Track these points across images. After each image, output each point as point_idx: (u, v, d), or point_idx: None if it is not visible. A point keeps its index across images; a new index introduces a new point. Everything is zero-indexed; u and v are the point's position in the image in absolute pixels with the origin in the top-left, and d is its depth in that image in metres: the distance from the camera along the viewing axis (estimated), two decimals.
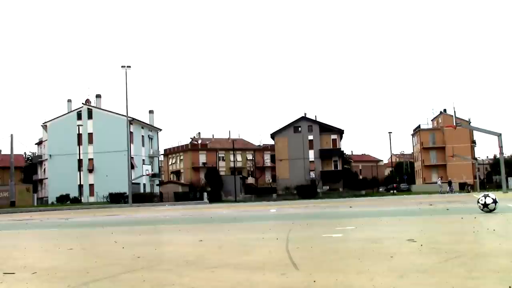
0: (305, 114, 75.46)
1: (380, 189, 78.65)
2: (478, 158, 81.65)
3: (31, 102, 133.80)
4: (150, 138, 69.57)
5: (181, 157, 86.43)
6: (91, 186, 60.60)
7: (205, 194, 53.07)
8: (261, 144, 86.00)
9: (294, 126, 72.25)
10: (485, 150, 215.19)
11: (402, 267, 2.10)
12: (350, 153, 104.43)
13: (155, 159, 70.83)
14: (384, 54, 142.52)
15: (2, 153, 78.64)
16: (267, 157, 78.56)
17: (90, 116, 62.58)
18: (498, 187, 60.78)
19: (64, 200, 52.34)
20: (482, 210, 5.87)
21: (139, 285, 1.96)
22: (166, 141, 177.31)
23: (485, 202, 5.88)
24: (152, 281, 2.02)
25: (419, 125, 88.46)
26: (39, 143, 76.99)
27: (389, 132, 66.49)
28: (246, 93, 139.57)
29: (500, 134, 29.64)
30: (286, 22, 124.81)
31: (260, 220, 6.19)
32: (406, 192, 65.89)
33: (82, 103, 64.89)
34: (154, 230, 5.50)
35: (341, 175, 73.84)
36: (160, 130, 73.40)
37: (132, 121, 56.58)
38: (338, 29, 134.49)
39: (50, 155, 62.39)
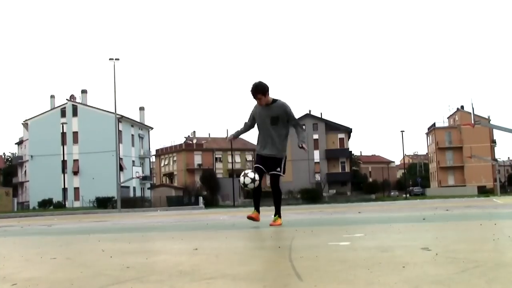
0: (309, 111, 75.71)
1: (392, 193, 78.65)
2: (498, 159, 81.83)
3: (10, 98, 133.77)
4: (141, 138, 69.71)
5: (175, 158, 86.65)
6: (76, 189, 60.82)
7: (201, 199, 53.21)
8: None
9: None
10: (506, 150, 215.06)
11: (415, 278, 2.11)
12: (359, 154, 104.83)
13: (146, 160, 71.09)
14: (395, 47, 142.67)
15: None
16: None
17: (75, 113, 62.83)
18: None
19: (46, 205, 52.46)
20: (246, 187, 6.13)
21: None
22: (158, 140, 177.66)
23: (244, 182, 6.12)
24: None
25: (434, 123, 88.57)
26: (20, 142, 77.15)
27: (402, 131, 66.73)
28: (245, 89, 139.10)
29: None
30: (289, 14, 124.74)
31: (261, 227, 6.20)
32: (420, 196, 66.01)
33: (67, 99, 65.10)
34: (144, 238, 5.51)
35: (349, 178, 74.05)
36: (152, 128, 73.62)
37: (121, 118, 56.74)
38: (345, 21, 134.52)
39: (31, 156, 62.59)
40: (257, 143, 6.53)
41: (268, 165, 6.35)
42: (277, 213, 6.41)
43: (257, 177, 6.13)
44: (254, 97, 6.28)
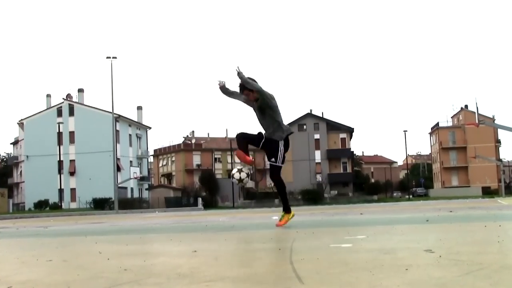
0: (310, 110, 75.80)
1: (394, 194, 78.60)
2: (503, 160, 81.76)
3: (6, 97, 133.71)
4: (139, 137, 69.73)
5: (173, 159, 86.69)
6: (73, 190, 60.85)
7: (200, 200, 53.29)
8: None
9: (298, 123, 72.43)
10: (511, 150, 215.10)
11: (418, 280, 2.11)
12: (361, 154, 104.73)
13: (144, 160, 71.09)
14: (398, 45, 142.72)
15: None
16: None
17: (71, 112, 62.87)
18: None
19: (42, 206, 52.50)
20: (238, 184, 6.27)
21: None
22: (156, 140, 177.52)
23: (240, 177, 6.09)
24: None
25: (438, 123, 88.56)
26: (15, 142, 77.16)
27: (404, 131, 66.71)
28: None
29: None
30: (289, 12, 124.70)
31: (261, 228, 6.20)
32: (423, 197, 66.01)
33: (63, 98, 65.10)
34: (142, 240, 5.51)
35: (350, 178, 74.04)
36: (150, 128, 73.62)
37: (118, 118, 56.76)
38: (347, 19, 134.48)
39: (27, 156, 62.59)
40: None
41: (266, 148, 6.20)
42: (284, 209, 6.25)
43: (249, 173, 6.16)
44: (241, 94, 6.23)
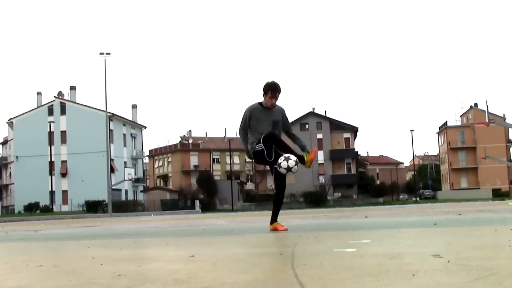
0: (313, 109, 75.88)
1: (401, 196, 78.67)
2: None
3: None
4: (133, 137, 69.74)
5: (169, 159, 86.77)
6: (65, 192, 60.88)
7: (197, 202, 53.38)
8: None
9: (300, 122, 72.48)
10: None
11: (425, 286, 2.11)
12: (366, 154, 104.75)
13: (139, 161, 71.11)
14: (404, 41, 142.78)
15: None
16: None
17: (63, 111, 62.88)
18: None
19: (33, 209, 52.54)
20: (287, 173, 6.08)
21: None
22: (151, 140, 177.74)
23: (288, 166, 5.93)
24: None
25: (446, 122, 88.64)
26: (4, 142, 77.25)
27: (411, 130, 66.65)
28: (244, 85, 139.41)
29: None
30: (290, 8, 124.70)
31: (261, 232, 6.21)
32: (431, 199, 66.06)
33: (54, 96, 65.15)
34: (137, 244, 5.51)
35: (355, 180, 74.08)
36: (145, 127, 73.65)
37: (112, 117, 56.81)
38: (351, 16, 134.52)
39: (16, 157, 62.63)
40: (255, 140, 6.37)
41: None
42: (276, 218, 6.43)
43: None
44: (272, 95, 6.15)
